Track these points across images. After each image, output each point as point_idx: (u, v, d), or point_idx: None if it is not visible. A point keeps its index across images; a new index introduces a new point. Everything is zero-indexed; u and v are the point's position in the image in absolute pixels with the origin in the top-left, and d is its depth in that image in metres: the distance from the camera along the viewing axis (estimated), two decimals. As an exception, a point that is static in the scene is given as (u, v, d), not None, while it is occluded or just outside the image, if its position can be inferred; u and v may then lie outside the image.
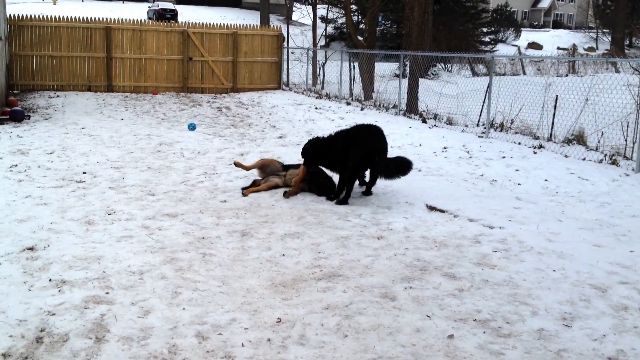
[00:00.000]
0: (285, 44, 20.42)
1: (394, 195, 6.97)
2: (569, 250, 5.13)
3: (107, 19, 17.78)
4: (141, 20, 20.31)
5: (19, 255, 4.73)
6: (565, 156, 9.33)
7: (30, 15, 17.20)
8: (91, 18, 17.58)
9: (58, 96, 16.01)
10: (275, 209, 6.35)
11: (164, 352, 3.35)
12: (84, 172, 7.71)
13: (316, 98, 17.65)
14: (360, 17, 35.48)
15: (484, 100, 12.01)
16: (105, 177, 7.49)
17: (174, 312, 3.84)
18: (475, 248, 5.21)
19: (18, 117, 11.67)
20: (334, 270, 4.63)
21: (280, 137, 11.23)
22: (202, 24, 19.39)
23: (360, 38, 19.87)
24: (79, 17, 17.48)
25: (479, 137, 11.13)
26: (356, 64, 18.78)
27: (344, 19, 33.52)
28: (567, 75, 21.62)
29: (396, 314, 3.90)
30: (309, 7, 27.92)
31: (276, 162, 7.51)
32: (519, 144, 10.33)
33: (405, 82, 14.71)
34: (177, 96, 17.43)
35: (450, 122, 12.78)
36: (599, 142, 9.85)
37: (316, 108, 15.28)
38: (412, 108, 14.20)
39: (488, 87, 11.58)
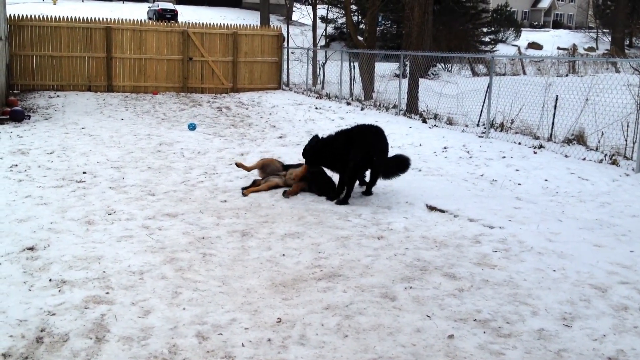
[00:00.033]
0: (285, 44, 20.43)
1: (394, 195, 6.97)
2: (569, 250, 5.13)
3: (107, 19, 17.79)
4: (141, 20, 20.33)
5: (19, 255, 4.73)
6: (566, 156, 9.33)
7: (31, 15, 17.21)
8: (91, 18, 17.58)
9: (58, 96, 16.02)
10: (276, 209, 6.35)
11: (164, 352, 3.35)
12: (84, 172, 7.71)
13: (316, 98, 17.65)
14: (360, 17, 35.48)
15: (484, 100, 12.01)
16: (105, 177, 7.49)
17: (174, 312, 3.84)
18: (475, 248, 5.21)
19: (18, 117, 11.67)
20: (334, 270, 4.63)
21: (281, 137, 11.23)
22: (202, 24, 19.39)
23: (360, 38, 19.87)
24: (79, 17, 17.49)
25: (479, 137, 11.13)
26: (356, 64, 18.78)
27: (344, 19, 33.53)
28: (567, 75, 21.61)
29: (396, 314, 3.90)
30: (309, 7, 27.93)
31: (276, 162, 7.51)
32: (519, 144, 10.33)
33: (405, 82, 14.71)
34: (177, 96, 17.43)
35: (450, 122, 12.78)
36: (599, 142, 9.85)
37: (316, 108, 15.28)
38: (412, 108, 14.20)
39: (488, 87, 11.58)
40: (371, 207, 6.51)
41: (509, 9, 55.50)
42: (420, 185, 7.43)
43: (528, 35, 51.61)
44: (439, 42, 25.42)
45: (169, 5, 44.02)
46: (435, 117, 13.38)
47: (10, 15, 16.30)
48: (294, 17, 45.94)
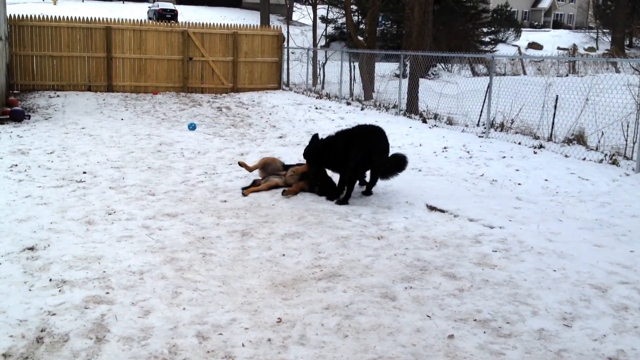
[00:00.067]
0: (285, 44, 20.43)
1: (394, 195, 6.97)
2: (569, 250, 5.13)
3: (107, 19, 17.79)
4: (141, 20, 20.32)
5: (19, 255, 4.73)
6: (566, 156, 9.33)
7: (31, 15, 17.21)
8: (91, 18, 17.59)
9: (58, 96, 16.02)
10: (276, 208, 6.35)
11: (165, 352, 3.35)
12: (84, 172, 7.71)
13: (316, 98, 17.65)
14: (360, 17, 35.48)
15: (484, 100, 12.01)
16: (105, 177, 7.49)
17: (174, 312, 3.84)
18: (475, 248, 5.21)
19: (18, 117, 11.67)
20: (334, 270, 4.63)
21: (281, 137, 11.23)
22: (202, 24, 19.39)
23: (360, 38, 19.87)
24: (79, 17, 17.49)
25: (479, 137, 11.14)
26: (356, 64, 18.78)
27: (344, 19, 33.54)
28: (567, 75, 21.61)
29: (396, 314, 3.90)
30: (309, 7, 27.92)
31: (278, 161, 7.50)
32: (519, 144, 10.33)
33: (405, 82, 14.71)
34: (177, 96, 17.43)
35: (450, 122, 12.78)
36: (599, 142, 9.85)
37: (316, 108, 15.29)
38: (412, 108, 14.20)
39: (488, 87, 11.58)
40: (371, 207, 6.51)
41: (509, 9, 55.50)
42: (420, 185, 7.43)
43: (528, 36, 51.63)
44: (439, 42, 25.42)
45: (169, 5, 44.05)
46: (435, 117, 13.39)
47: (10, 15, 16.30)
48: (294, 17, 45.94)
